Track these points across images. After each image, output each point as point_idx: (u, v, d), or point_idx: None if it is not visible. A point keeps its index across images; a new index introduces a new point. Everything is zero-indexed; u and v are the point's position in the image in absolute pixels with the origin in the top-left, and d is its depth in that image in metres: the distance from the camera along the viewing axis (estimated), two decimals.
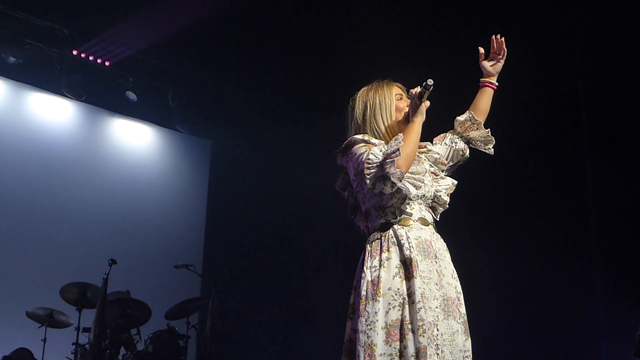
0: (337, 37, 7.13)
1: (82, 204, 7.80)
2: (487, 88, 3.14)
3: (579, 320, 6.23)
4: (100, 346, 5.98)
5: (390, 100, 2.94)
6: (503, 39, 3.11)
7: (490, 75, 3.13)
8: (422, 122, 2.80)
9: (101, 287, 6.05)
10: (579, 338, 6.21)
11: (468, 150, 3.13)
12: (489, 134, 3.12)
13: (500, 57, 3.12)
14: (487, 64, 3.13)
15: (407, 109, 2.90)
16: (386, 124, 2.91)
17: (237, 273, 8.25)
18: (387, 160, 2.66)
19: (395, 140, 2.69)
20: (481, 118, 3.11)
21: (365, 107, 2.95)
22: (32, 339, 6.29)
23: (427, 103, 2.82)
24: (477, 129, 3.11)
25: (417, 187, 2.76)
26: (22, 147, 7.51)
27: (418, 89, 2.80)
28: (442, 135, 3.15)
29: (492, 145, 3.13)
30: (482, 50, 3.14)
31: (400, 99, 2.96)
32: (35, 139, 7.65)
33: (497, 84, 3.14)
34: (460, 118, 3.13)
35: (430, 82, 2.74)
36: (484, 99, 3.13)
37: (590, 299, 6.24)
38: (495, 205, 6.88)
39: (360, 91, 3.03)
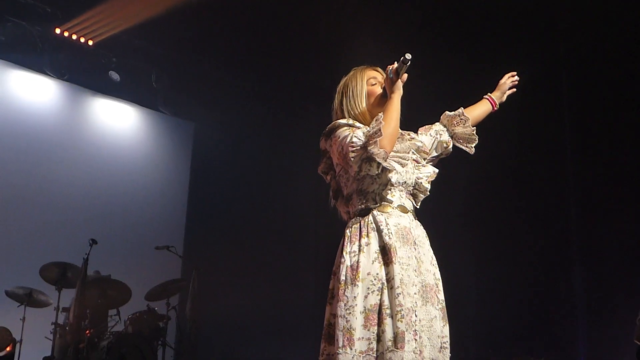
0: (323, 25, 7.12)
1: (63, 184, 7.75)
2: (489, 104, 3.23)
3: (559, 308, 6.33)
4: (79, 326, 5.99)
5: (361, 86, 2.96)
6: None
7: (499, 96, 3.25)
8: (399, 97, 2.81)
9: (81, 267, 6.06)
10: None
11: (452, 144, 3.16)
12: (474, 132, 3.15)
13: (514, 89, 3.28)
14: (503, 90, 3.26)
15: (380, 91, 2.93)
16: (359, 110, 2.93)
17: (217, 255, 8.24)
18: (370, 142, 2.69)
19: (376, 120, 2.71)
20: (471, 122, 3.15)
21: (342, 95, 2.99)
22: (11, 318, 6.27)
23: (405, 77, 2.82)
24: (463, 125, 3.14)
25: (402, 165, 2.81)
26: (2, 126, 7.44)
27: (395, 65, 2.81)
28: (427, 126, 3.17)
29: (474, 145, 3.17)
30: (515, 77, 3.28)
31: (375, 83, 2.97)
32: (16, 118, 7.56)
33: (497, 107, 3.25)
34: (450, 112, 3.17)
35: (408, 56, 2.73)
36: (481, 112, 3.23)
37: (569, 287, 6.34)
38: (476, 192, 6.92)
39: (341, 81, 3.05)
